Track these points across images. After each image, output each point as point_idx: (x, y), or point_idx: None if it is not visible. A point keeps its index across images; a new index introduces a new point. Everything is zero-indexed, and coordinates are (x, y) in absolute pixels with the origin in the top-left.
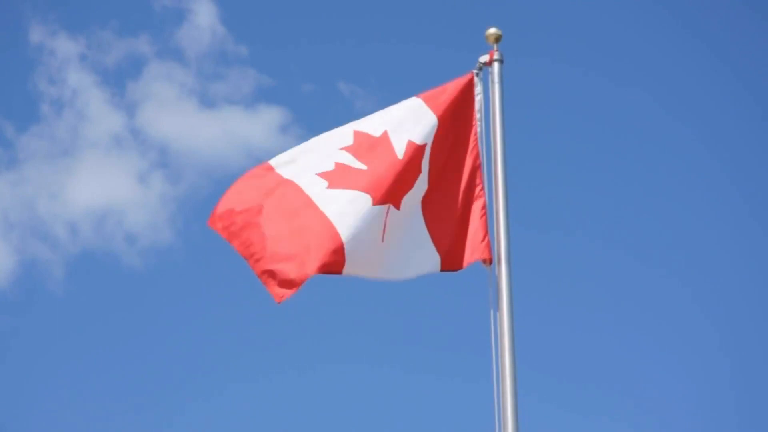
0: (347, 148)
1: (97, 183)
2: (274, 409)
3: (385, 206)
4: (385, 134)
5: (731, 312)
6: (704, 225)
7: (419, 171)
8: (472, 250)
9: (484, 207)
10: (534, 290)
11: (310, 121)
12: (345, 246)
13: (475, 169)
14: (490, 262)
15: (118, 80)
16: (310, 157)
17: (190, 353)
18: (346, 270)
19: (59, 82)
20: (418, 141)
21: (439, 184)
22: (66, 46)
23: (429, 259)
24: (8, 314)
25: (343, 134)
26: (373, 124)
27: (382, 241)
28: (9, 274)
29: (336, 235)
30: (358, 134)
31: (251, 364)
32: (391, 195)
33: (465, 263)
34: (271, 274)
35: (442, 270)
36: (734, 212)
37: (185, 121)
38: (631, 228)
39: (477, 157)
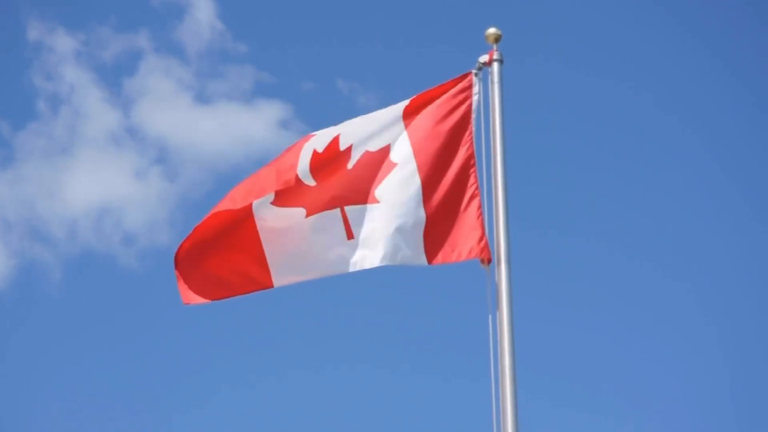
0: (315, 156)
1: (95, 180)
2: (274, 410)
3: (333, 212)
4: (348, 149)
5: (731, 312)
6: (704, 225)
7: (391, 165)
8: (469, 248)
9: (479, 206)
10: (534, 290)
11: (311, 116)
12: (269, 264)
13: (470, 167)
14: (489, 262)
15: (116, 77)
16: (288, 157)
17: (189, 354)
18: (276, 282)
19: (57, 79)
20: (375, 148)
21: (435, 180)
22: (64, 43)
23: (417, 252)
24: (7, 314)
25: (326, 136)
26: (350, 134)
27: (351, 237)
28: (7, 275)
29: (263, 258)
30: (333, 142)
31: (251, 365)
32: (340, 198)
33: (458, 258)
34: (192, 276)
35: (430, 263)
36: (734, 212)
37: (184, 118)
38: (631, 228)
39: (471, 156)
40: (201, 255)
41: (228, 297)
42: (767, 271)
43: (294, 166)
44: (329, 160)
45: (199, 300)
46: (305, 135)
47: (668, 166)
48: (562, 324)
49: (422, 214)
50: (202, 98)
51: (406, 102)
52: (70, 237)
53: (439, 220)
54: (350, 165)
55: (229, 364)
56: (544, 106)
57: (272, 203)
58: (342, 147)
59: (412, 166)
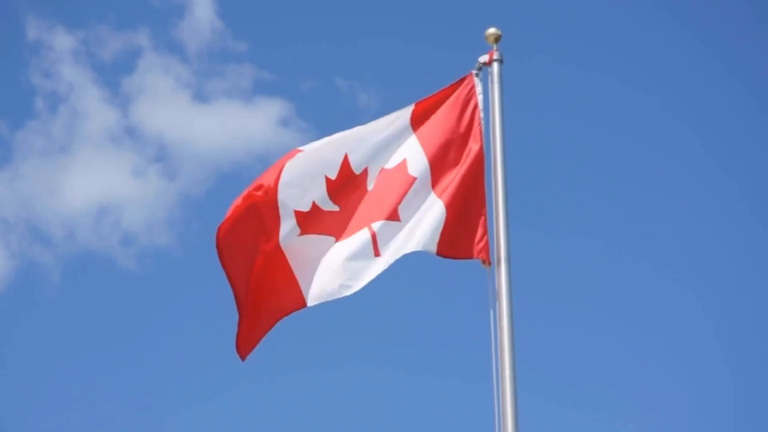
0: (329, 182)
1: (94, 179)
2: (273, 410)
3: (362, 232)
4: (364, 172)
5: (731, 312)
6: (704, 225)
7: (411, 179)
8: (470, 247)
9: (483, 205)
10: (534, 290)
11: (311, 115)
12: (301, 287)
13: (481, 166)
14: (489, 262)
15: (115, 75)
16: (301, 180)
17: (187, 354)
18: (311, 302)
19: (55, 77)
20: (392, 165)
21: (453, 181)
22: (62, 41)
23: (431, 240)
24: (7, 315)
25: (333, 161)
26: (359, 152)
27: (377, 255)
28: (6, 275)
29: (294, 280)
30: (344, 166)
31: (250, 365)
32: (367, 218)
33: (460, 255)
34: (245, 333)
35: (437, 254)
36: (734, 212)
37: (183, 116)
38: (631, 228)
39: (482, 155)
40: (248, 308)
41: (269, 330)
42: (767, 271)
43: (276, 182)
44: (346, 183)
45: (252, 346)
46: (292, 149)
47: (668, 166)
48: (562, 324)
49: (443, 211)
50: (202, 96)
51: (410, 108)
52: (69, 237)
53: (455, 217)
54: (370, 186)
55: (228, 365)
56: (544, 106)
57: (299, 234)
58: (356, 169)
59: (428, 178)
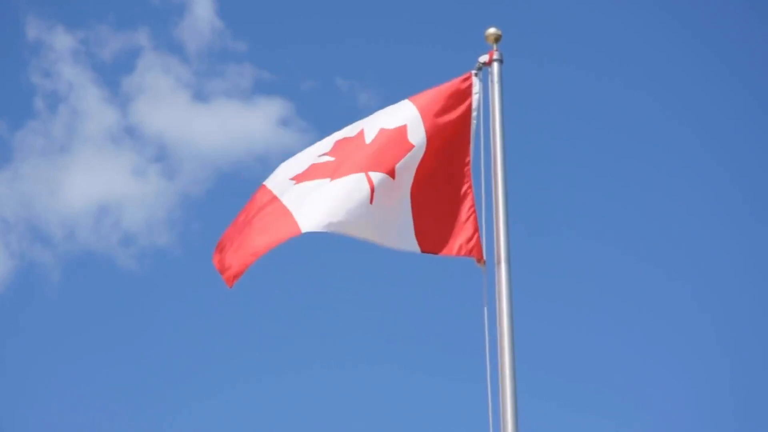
0: (324, 154)
1: (94, 179)
2: (272, 410)
3: (358, 174)
4: (360, 132)
5: (731, 312)
6: (704, 225)
7: (409, 145)
8: (460, 245)
9: (473, 204)
10: (534, 290)
11: (311, 114)
12: (295, 217)
13: (465, 165)
14: (484, 261)
15: (115, 75)
16: (293, 166)
17: (187, 354)
18: (304, 228)
19: (55, 77)
20: (391, 126)
21: (427, 171)
22: (62, 41)
23: (407, 238)
24: (6, 315)
25: (326, 143)
26: (354, 128)
27: (371, 202)
28: (5, 275)
29: (288, 213)
30: (338, 142)
31: (250, 365)
32: (364, 165)
33: (449, 252)
34: (224, 261)
35: (423, 252)
36: (734, 212)
37: (183, 116)
38: (631, 228)
39: (467, 154)
40: (230, 241)
41: (260, 255)
42: (767, 271)
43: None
44: (341, 142)
45: (237, 271)
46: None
47: (668, 166)
48: (562, 324)
49: (408, 201)
50: (201, 96)
51: (409, 100)
52: (69, 237)
53: (431, 212)
54: (368, 140)
55: (228, 364)
56: (544, 106)
57: (295, 184)
58: (351, 133)
59: (421, 153)
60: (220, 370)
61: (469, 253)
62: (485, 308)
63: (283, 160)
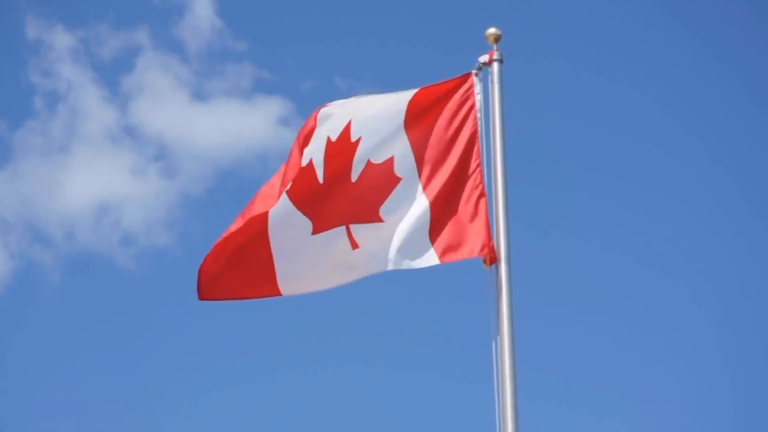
0: (329, 143)
1: (94, 178)
2: (272, 410)
3: (339, 228)
4: (357, 142)
5: (731, 312)
6: (704, 225)
7: (396, 180)
8: (473, 247)
9: (485, 206)
10: (534, 290)
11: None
12: (276, 271)
13: (476, 168)
14: (491, 262)
15: (114, 74)
16: (320, 130)
17: (186, 354)
18: (285, 291)
19: (54, 76)
20: (379, 160)
21: (439, 182)
22: (62, 40)
23: (426, 253)
24: (6, 315)
25: (339, 123)
26: (360, 123)
27: (355, 248)
28: (5, 275)
29: (271, 266)
30: (345, 131)
31: (250, 365)
32: (345, 216)
33: (464, 256)
34: (209, 273)
35: (442, 262)
36: (734, 212)
37: (183, 115)
38: (631, 228)
39: (477, 156)
40: (219, 255)
41: (237, 299)
42: (767, 271)
43: (303, 149)
44: (339, 153)
45: (210, 296)
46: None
47: (668, 166)
48: (562, 324)
49: (427, 216)
50: (201, 95)
51: (411, 94)
52: (69, 237)
53: (446, 220)
54: (354, 177)
55: (227, 365)
56: (544, 106)
57: (288, 194)
58: (353, 137)
59: (415, 179)
60: (219, 371)
61: (485, 255)
62: (491, 310)
63: (283, 160)
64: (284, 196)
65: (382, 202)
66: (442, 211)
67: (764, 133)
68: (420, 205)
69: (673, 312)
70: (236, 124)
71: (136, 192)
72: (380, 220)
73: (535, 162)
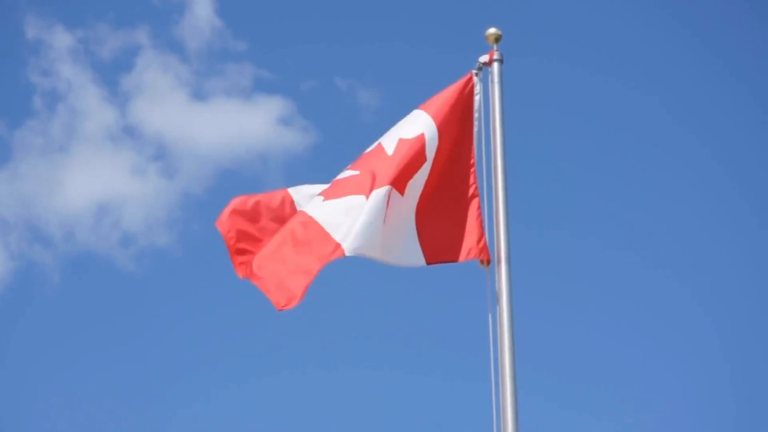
0: (347, 169)
1: (93, 178)
2: (272, 410)
3: (384, 189)
4: (378, 145)
5: (731, 312)
6: (704, 225)
7: (423, 159)
8: (469, 248)
9: (479, 207)
10: (534, 290)
11: (311, 113)
12: (341, 244)
13: (470, 167)
14: (488, 262)
15: (114, 74)
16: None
17: (186, 355)
18: (349, 252)
19: (54, 76)
20: (410, 135)
21: (434, 180)
22: (61, 40)
23: (413, 253)
24: (6, 316)
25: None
26: (372, 145)
27: (384, 222)
28: (5, 276)
29: (330, 239)
30: (360, 157)
31: (250, 366)
32: (387, 179)
33: (458, 258)
34: (276, 283)
35: (428, 264)
36: (734, 212)
37: (182, 115)
38: (631, 228)
39: (472, 156)
40: (267, 264)
41: (310, 282)
42: (767, 271)
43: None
44: (366, 159)
45: (291, 303)
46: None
47: (668, 166)
48: (562, 324)
49: (413, 215)
50: (201, 95)
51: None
52: (69, 237)
53: (436, 220)
54: (390, 151)
55: (227, 365)
56: (544, 106)
57: (324, 200)
58: (371, 148)
59: (429, 167)
60: (219, 371)
61: (478, 255)
62: (490, 310)
63: (283, 159)
64: (325, 201)
65: (411, 178)
66: (432, 211)
67: (764, 133)
68: (409, 214)
69: (673, 312)
70: (236, 124)
71: (136, 192)
72: (402, 193)
73: (535, 162)
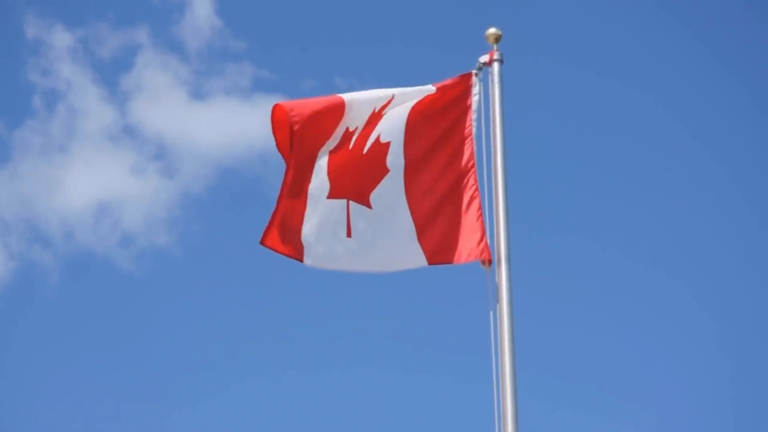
0: (372, 114)
1: (93, 178)
2: (272, 410)
3: (342, 201)
4: (382, 115)
5: (731, 312)
6: (704, 225)
7: (385, 170)
8: (469, 249)
9: (479, 207)
10: (534, 290)
11: None
12: (302, 238)
13: (470, 168)
14: (490, 263)
15: (114, 73)
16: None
17: (186, 355)
18: (306, 261)
19: (53, 75)
20: (384, 139)
21: (429, 181)
22: (61, 39)
23: (414, 254)
24: (6, 316)
25: (387, 92)
26: (397, 97)
27: (348, 236)
28: (5, 276)
29: (300, 229)
30: (387, 102)
31: (249, 366)
32: (349, 191)
33: (458, 259)
34: (276, 225)
35: (430, 264)
36: (734, 212)
37: (182, 114)
38: (631, 228)
39: (471, 157)
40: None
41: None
42: (767, 271)
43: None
44: (371, 122)
45: (271, 244)
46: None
47: (668, 166)
48: (562, 324)
49: (409, 217)
50: (201, 95)
51: (429, 90)
52: (68, 237)
53: (437, 221)
54: (365, 149)
55: (227, 365)
56: (544, 106)
57: (330, 151)
58: (384, 111)
59: (400, 178)
60: (219, 371)
61: (479, 256)
62: (491, 310)
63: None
64: (329, 146)
65: (373, 189)
66: (430, 212)
67: (764, 133)
68: (402, 205)
69: (673, 312)
70: (236, 124)
71: (135, 191)
72: (369, 206)
73: (535, 162)
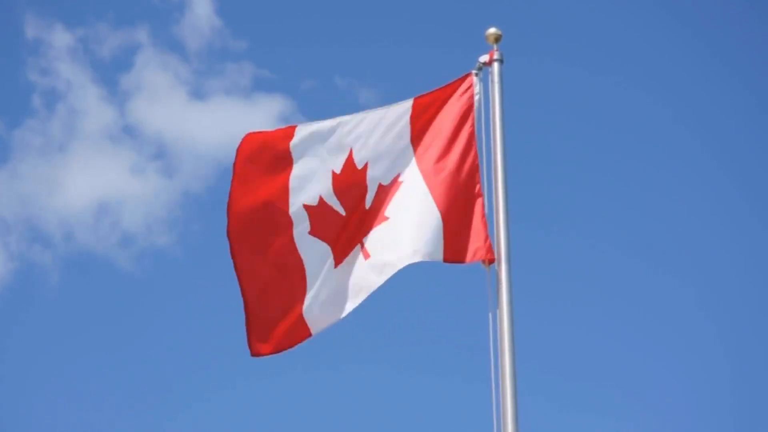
0: (335, 177)
1: (93, 177)
2: (272, 410)
3: (354, 249)
4: (364, 169)
5: (731, 312)
6: (704, 225)
7: (398, 184)
8: (475, 249)
9: (483, 207)
10: (534, 290)
11: (311, 112)
12: (304, 314)
13: (474, 168)
14: (491, 262)
15: (113, 73)
16: (309, 171)
17: (186, 355)
18: (314, 331)
19: (53, 75)
20: (387, 181)
21: (441, 183)
22: (61, 39)
23: (437, 247)
24: (6, 316)
25: (338, 154)
26: (362, 151)
27: (367, 257)
28: (5, 276)
29: (302, 300)
30: (348, 161)
31: (249, 366)
32: (355, 240)
33: (467, 259)
34: (255, 326)
35: (444, 261)
36: (734, 212)
37: (182, 113)
38: (631, 228)
39: (475, 156)
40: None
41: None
42: (767, 271)
43: (287, 177)
44: (351, 185)
45: (262, 351)
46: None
47: (668, 166)
48: (562, 324)
49: (438, 214)
50: (201, 94)
51: (409, 105)
52: (68, 237)
53: (452, 221)
54: (368, 203)
55: (227, 365)
56: (544, 106)
57: (309, 233)
58: (358, 164)
59: (418, 177)
60: (219, 371)
61: (484, 256)
62: (490, 311)
63: None
64: (310, 237)
65: (387, 206)
66: (451, 212)
67: (764, 133)
68: (427, 202)
69: (673, 312)
70: (236, 123)
71: (135, 191)
72: (385, 219)
73: (535, 162)
